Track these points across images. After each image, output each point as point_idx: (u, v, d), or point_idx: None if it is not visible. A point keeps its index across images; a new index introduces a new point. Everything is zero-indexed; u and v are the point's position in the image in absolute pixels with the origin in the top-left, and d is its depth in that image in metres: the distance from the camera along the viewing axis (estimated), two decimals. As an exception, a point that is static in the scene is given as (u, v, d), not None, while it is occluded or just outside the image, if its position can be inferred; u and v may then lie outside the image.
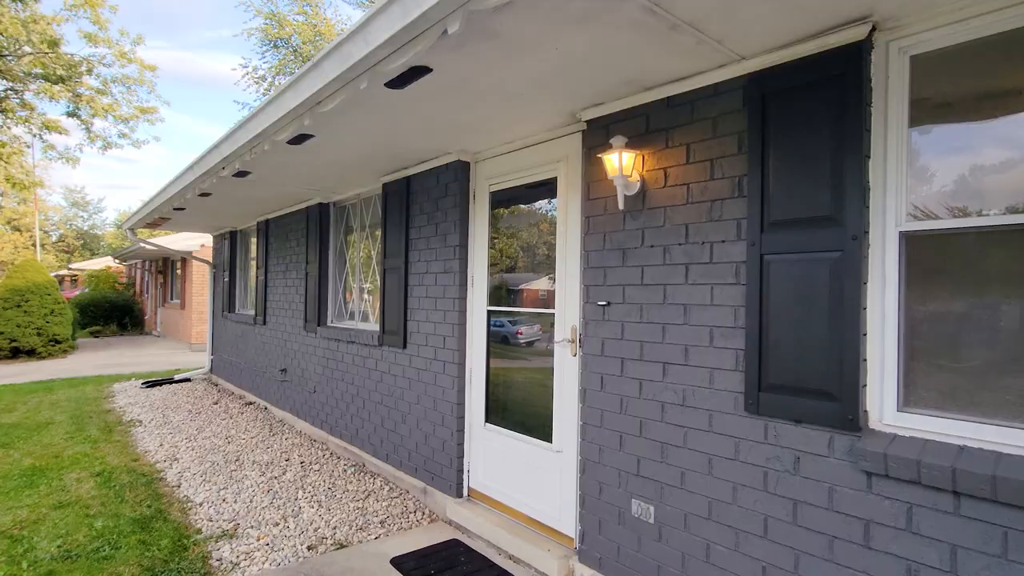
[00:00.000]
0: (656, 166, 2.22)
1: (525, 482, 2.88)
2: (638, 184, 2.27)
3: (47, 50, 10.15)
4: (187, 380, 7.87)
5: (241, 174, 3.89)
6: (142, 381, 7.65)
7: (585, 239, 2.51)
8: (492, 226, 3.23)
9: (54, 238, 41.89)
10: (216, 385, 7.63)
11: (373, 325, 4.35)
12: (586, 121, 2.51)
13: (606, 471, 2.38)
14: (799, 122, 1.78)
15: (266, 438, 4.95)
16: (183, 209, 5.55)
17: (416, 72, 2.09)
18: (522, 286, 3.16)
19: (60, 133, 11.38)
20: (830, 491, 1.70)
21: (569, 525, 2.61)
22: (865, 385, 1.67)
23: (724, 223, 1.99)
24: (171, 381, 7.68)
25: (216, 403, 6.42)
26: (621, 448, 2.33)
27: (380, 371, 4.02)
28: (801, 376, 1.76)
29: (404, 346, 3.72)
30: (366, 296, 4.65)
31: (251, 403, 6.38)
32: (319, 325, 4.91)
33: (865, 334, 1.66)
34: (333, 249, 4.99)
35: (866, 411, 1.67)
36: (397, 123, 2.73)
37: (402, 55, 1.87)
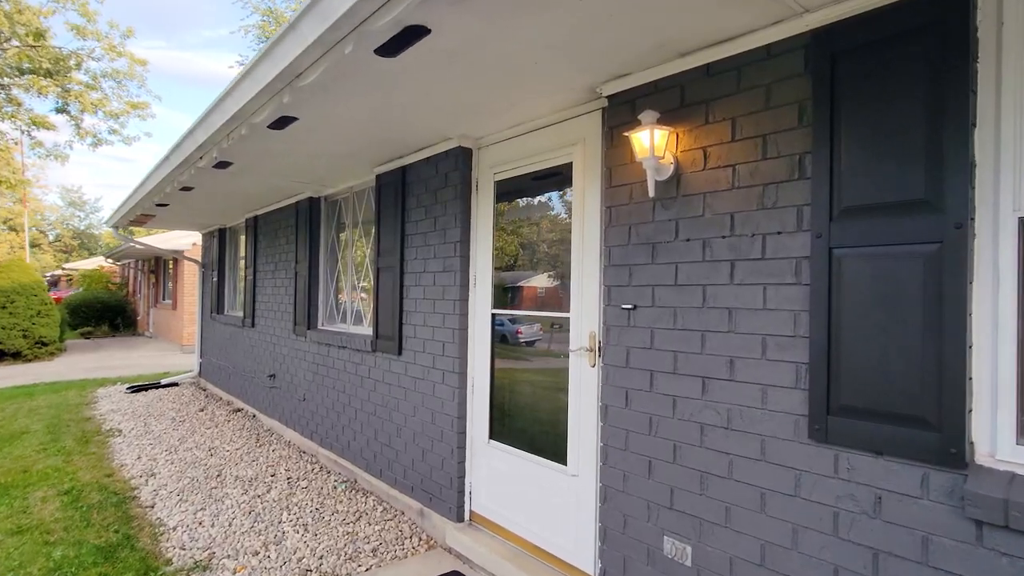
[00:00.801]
0: (693, 145, 1.88)
1: (535, 508, 2.54)
2: (671, 167, 1.93)
3: (33, 42, 9.78)
4: (174, 385, 7.50)
5: (222, 165, 3.54)
6: (127, 386, 7.28)
7: (606, 233, 2.18)
8: (497, 220, 2.89)
9: (51, 238, 41.34)
10: (204, 390, 7.27)
11: (366, 329, 4.01)
12: (607, 96, 2.17)
13: (632, 502, 2.04)
14: (881, 86, 1.44)
15: (252, 450, 4.60)
16: (166, 205, 5.20)
17: (411, 34, 1.75)
18: (530, 286, 2.82)
19: (48, 129, 10.99)
20: (924, 541, 1.36)
21: (587, 560, 2.27)
22: (971, 410, 1.33)
23: (780, 211, 1.66)
24: (157, 386, 7.32)
25: (202, 410, 6.06)
26: (651, 476, 1.99)
27: (373, 379, 3.67)
28: (884, 397, 1.42)
29: (399, 352, 3.38)
30: (362, 296, 4.30)
31: (239, 410, 6.03)
32: (309, 328, 4.56)
33: (971, 346, 1.33)
34: (324, 247, 4.64)
35: (972, 443, 1.33)
36: (391, 102, 2.39)
37: (393, 7, 1.53)
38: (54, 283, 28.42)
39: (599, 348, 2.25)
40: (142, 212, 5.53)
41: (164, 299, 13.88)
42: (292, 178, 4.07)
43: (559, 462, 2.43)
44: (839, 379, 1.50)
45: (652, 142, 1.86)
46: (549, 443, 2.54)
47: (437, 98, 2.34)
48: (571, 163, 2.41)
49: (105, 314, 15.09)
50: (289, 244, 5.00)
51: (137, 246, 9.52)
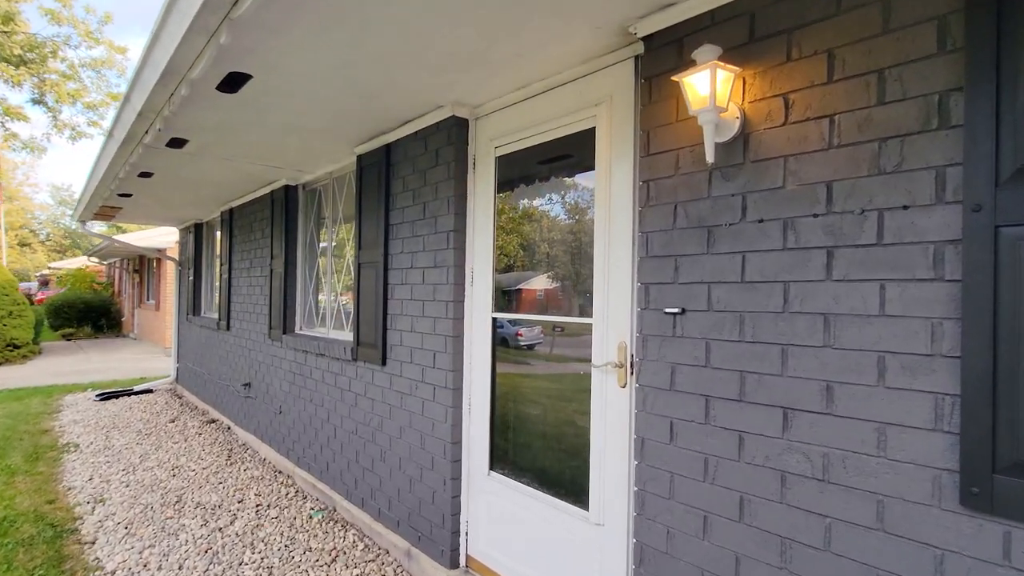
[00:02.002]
0: (768, 93, 1.38)
1: (546, 560, 2.04)
2: (737, 123, 1.43)
3: (3, 27, 9.16)
4: (148, 391, 6.95)
5: (176, 143, 3.02)
6: (98, 393, 6.73)
7: (642, 214, 1.68)
8: (499, 204, 2.39)
9: (42, 237, 40.42)
10: (180, 398, 6.73)
11: (347, 334, 3.49)
12: (643, 38, 1.67)
13: (680, 569, 1.54)
14: (1089, -23, 0.95)
15: (221, 469, 4.07)
16: (130, 195, 4.66)
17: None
18: (540, 286, 2.32)
19: (21, 120, 10.38)
20: None
21: (615, 634, 1.77)
22: None
23: (907, 176, 1.16)
24: (129, 393, 6.77)
25: (173, 421, 5.52)
26: (707, 536, 1.49)
27: (354, 392, 3.16)
28: (1098, 453, 0.93)
29: (383, 362, 2.87)
30: (348, 297, 3.79)
31: (213, 421, 5.49)
32: (285, 333, 4.04)
33: None
34: (302, 241, 4.12)
35: None
36: (363, 51, 1.88)
37: None
38: (44, 283, 27.68)
39: (632, 364, 1.75)
40: (105, 204, 4.99)
41: (148, 299, 13.29)
42: (262, 161, 3.55)
43: (578, 505, 1.93)
44: (1014, 421, 1.01)
45: (713, 87, 1.36)
46: (564, 479, 2.04)
47: (423, 45, 1.83)
48: (594, 128, 1.90)
49: (88, 315, 14.47)
50: (264, 238, 4.48)
51: (116, 244, 8.97)
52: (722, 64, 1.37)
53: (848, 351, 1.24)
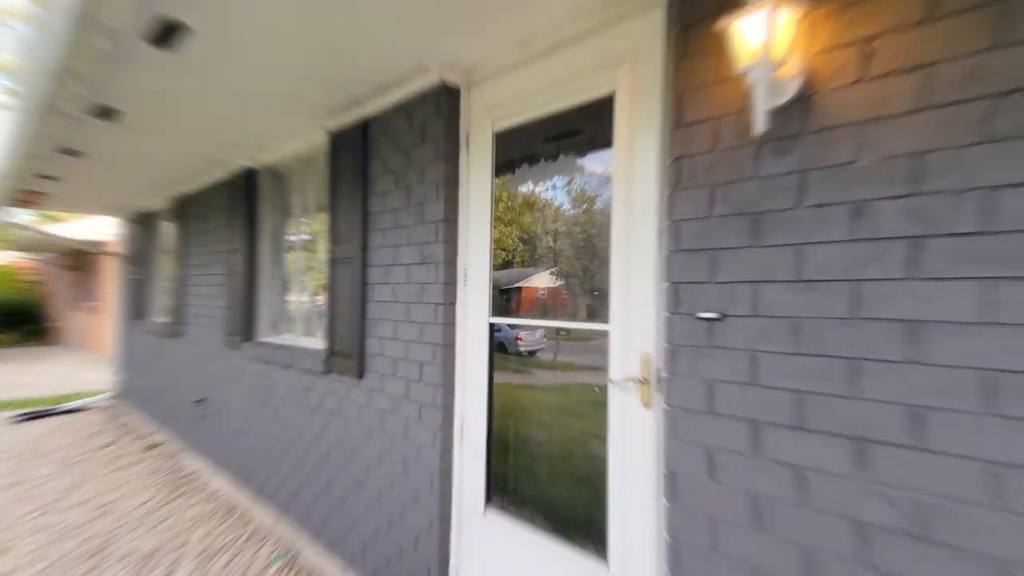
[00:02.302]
0: (842, 40, 1.24)
1: (554, 618, 1.87)
2: (796, 83, 1.28)
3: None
4: (80, 410, 6.67)
5: (106, 113, 2.82)
6: (19, 412, 6.43)
7: (671, 200, 1.52)
8: (497, 190, 2.22)
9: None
10: (120, 417, 6.46)
11: (319, 342, 3.31)
12: (676, -20, 1.52)
13: (723, 637, 1.39)
14: None
15: (162, 505, 3.85)
16: (56, 179, 4.43)
17: None
18: (540, 284, 2.16)
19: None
20: None
21: None
22: None
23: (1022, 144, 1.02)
24: (55, 412, 6.48)
25: (109, 445, 5.28)
26: (757, 598, 1.33)
27: (327, 410, 2.98)
28: None
29: (360, 375, 2.69)
30: (317, 299, 3.60)
31: (156, 445, 5.26)
32: (245, 340, 3.84)
33: None
34: (268, 234, 3.92)
35: None
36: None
37: None
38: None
39: (658, 379, 1.59)
40: (25, 188, 4.75)
41: (86, 301, 12.94)
42: (215, 137, 3.36)
43: (594, 553, 1.77)
44: None
45: (771, 33, 1.20)
46: (577, 519, 1.88)
47: (404, -11, 1.66)
48: (612, 93, 1.75)
49: (16, 319, 14.07)
50: (222, 230, 4.28)
51: (46, 236, 8.66)
52: (780, 2, 1.22)
53: (943, 368, 1.09)
